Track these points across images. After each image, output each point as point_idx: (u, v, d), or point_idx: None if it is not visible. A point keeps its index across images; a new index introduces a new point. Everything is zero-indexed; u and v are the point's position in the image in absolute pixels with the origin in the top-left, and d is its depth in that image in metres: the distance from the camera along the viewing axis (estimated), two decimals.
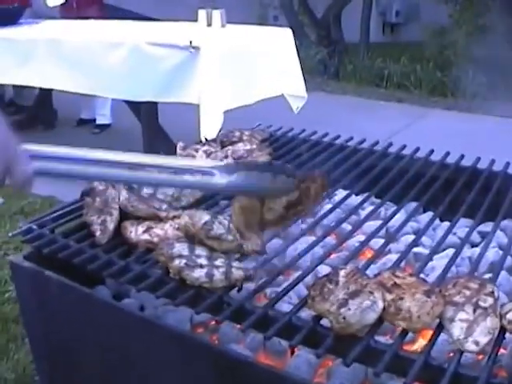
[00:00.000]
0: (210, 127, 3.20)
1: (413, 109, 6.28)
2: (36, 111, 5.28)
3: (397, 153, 1.50)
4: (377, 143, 1.54)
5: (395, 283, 0.86)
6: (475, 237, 1.34)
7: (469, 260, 1.23)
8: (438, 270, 1.10)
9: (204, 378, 0.98)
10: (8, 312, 2.27)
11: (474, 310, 0.81)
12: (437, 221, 1.36)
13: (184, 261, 0.89)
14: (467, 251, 1.26)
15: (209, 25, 3.91)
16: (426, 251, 1.23)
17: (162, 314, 1.12)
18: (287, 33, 3.88)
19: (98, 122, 5.02)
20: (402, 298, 0.83)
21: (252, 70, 3.59)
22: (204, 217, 0.97)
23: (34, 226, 1.11)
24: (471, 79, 7.34)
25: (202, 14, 3.94)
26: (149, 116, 3.85)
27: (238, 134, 1.44)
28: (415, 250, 1.23)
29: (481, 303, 0.82)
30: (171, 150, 3.77)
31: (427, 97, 7.27)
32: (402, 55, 8.68)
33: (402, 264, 1.13)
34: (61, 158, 0.79)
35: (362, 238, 1.23)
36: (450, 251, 1.19)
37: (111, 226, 1.02)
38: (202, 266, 0.89)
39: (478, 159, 1.49)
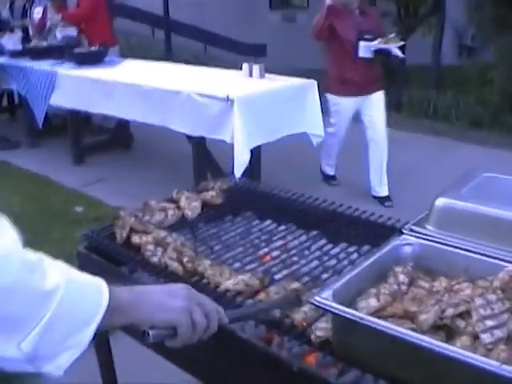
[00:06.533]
0: (239, 162, 4.21)
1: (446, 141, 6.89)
2: (115, 134, 6.41)
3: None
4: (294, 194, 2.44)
5: None
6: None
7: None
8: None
9: None
10: None
11: None
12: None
13: (150, 253, 1.89)
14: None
15: (250, 75, 4.93)
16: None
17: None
18: (312, 84, 4.83)
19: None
20: None
21: (279, 114, 4.58)
22: (162, 234, 1.96)
23: (90, 233, 2.16)
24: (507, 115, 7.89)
25: (245, 66, 4.95)
26: (199, 144, 4.87)
27: (211, 184, 2.39)
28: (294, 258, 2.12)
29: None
30: (217, 171, 4.83)
31: (465, 130, 7.83)
32: (468, 82, 9.02)
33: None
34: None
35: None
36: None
37: (124, 234, 2.03)
38: (156, 255, 1.88)
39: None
